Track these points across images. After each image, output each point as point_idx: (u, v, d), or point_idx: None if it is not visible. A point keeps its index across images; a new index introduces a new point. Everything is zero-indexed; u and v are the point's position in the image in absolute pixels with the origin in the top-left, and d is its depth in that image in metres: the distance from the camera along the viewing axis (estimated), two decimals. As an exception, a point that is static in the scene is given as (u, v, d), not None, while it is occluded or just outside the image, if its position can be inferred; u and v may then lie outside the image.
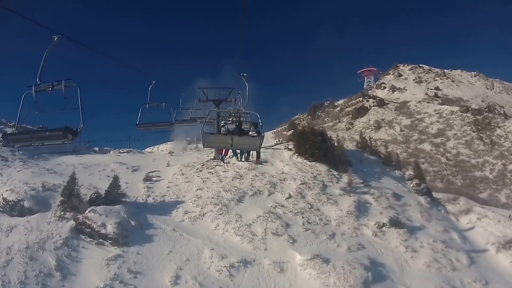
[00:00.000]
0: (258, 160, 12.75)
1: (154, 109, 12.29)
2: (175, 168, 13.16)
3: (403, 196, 12.44)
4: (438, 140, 39.53)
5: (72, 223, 8.65)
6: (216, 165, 12.89)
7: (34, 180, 11.05)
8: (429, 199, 13.08)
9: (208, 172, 12.16)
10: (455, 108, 45.73)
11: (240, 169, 12.37)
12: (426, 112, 46.18)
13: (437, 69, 67.89)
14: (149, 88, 12.10)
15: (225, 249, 8.23)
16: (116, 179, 9.76)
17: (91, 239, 8.24)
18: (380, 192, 11.95)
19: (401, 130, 42.57)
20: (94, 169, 13.14)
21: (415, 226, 10.63)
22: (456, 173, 34.57)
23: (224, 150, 13.98)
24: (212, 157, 14.79)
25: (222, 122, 12.70)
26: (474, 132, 40.08)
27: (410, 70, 67.39)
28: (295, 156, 13.67)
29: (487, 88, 66.49)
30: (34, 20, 5.03)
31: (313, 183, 11.50)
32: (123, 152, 20.03)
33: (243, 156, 13.53)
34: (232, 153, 14.19)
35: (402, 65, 69.84)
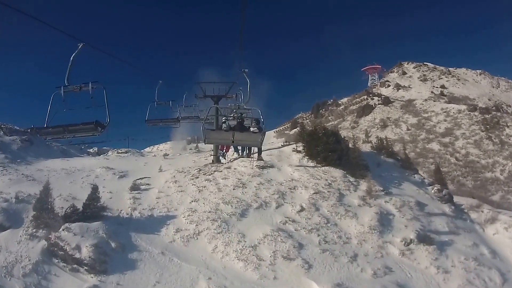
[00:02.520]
0: (260, 157, 12.16)
1: (73, 98, 6.53)
2: (167, 174, 11.62)
3: (427, 205, 11.03)
4: (447, 139, 38.27)
5: (44, 243, 7.30)
6: (214, 171, 11.30)
7: (10, 189, 9.71)
8: (452, 207, 11.78)
9: (205, 180, 10.57)
10: (463, 107, 44.45)
11: (242, 175, 10.77)
12: (433, 111, 44.86)
13: (441, 67, 66.70)
14: (71, 58, 6.40)
15: (225, 278, 6.72)
16: (95, 189, 8.26)
17: (64, 264, 6.88)
18: (402, 200, 10.44)
19: (408, 129, 41.22)
20: (77, 175, 11.69)
21: (444, 241, 9.30)
22: (466, 174, 33.24)
23: (225, 146, 13.98)
24: (211, 161, 13.50)
25: (224, 118, 12.31)
26: (482, 131, 38.80)
27: (414, 68, 66.20)
28: (305, 159, 12.13)
29: (493, 87, 65.26)
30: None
31: (328, 191, 9.90)
32: (121, 152, 19.35)
33: (244, 152, 13.17)
34: (233, 150, 13.92)
35: (406, 63, 68.64)
